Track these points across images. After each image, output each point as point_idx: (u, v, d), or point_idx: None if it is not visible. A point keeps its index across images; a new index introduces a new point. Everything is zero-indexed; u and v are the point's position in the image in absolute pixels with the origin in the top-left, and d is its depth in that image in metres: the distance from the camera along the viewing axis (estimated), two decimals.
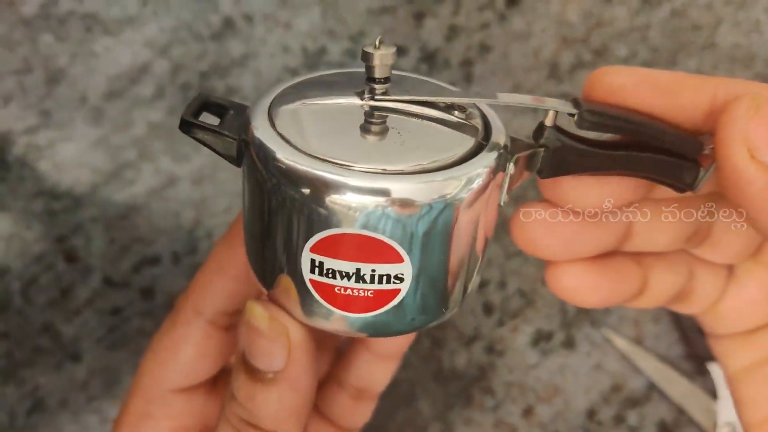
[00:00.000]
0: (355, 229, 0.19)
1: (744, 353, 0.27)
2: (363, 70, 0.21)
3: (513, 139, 0.22)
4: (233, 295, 0.28)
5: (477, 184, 0.20)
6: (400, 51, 0.47)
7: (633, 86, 0.21)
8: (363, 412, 0.32)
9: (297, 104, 0.21)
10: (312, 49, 0.47)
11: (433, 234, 0.20)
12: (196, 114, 0.22)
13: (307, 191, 0.19)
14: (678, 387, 0.42)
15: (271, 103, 0.21)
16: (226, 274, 0.28)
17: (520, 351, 0.44)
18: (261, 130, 0.20)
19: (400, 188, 0.19)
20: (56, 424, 0.43)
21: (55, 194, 0.45)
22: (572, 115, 0.21)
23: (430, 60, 0.47)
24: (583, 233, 0.24)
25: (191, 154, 0.45)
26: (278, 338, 0.23)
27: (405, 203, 0.19)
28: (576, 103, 0.21)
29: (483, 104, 0.22)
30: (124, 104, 0.46)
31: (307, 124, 0.21)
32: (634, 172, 0.22)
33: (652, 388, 0.43)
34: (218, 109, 0.22)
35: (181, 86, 0.46)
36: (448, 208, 0.20)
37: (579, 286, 0.25)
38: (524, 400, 0.44)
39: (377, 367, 0.31)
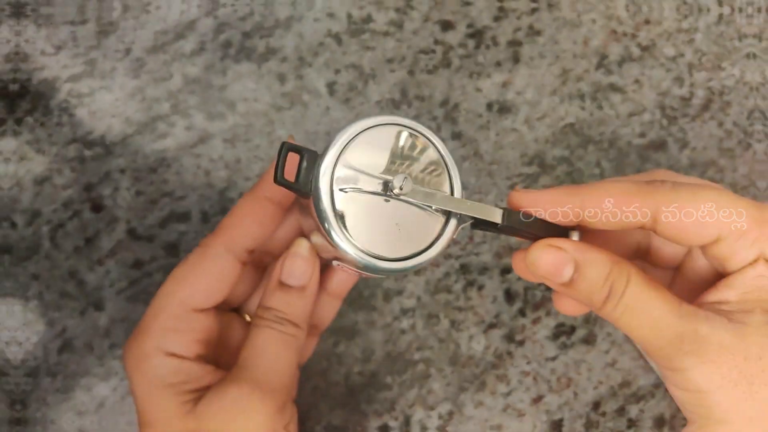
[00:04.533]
0: (359, 271, 0.33)
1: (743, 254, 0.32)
2: (407, 122, 0.33)
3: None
4: (257, 237, 0.36)
5: (437, 255, 0.33)
6: (447, 26, 0.47)
7: (537, 203, 0.32)
8: (309, 347, 0.41)
9: (347, 190, 0.32)
10: (357, 16, 0.47)
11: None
12: (285, 159, 0.31)
13: (343, 255, 0.32)
14: None
15: (331, 184, 0.31)
16: (255, 219, 0.36)
17: (539, 343, 0.44)
18: (326, 217, 0.31)
19: (391, 267, 0.32)
20: (84, 365, 0.43)
21: (88, 142, 0.44)
22: (495, 224, 0.32)
23: (477, 36, 0.47)
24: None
25: (225, 112, 0.45)
26: (312, 261, 0.35)
27: (387, 271, 0.32)
28: (504, 215, 0.32)
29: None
30: (165, 58, 0.45)
31: (350, 215, 0.31)
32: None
33: (658, 386, 0.43)
34: (296, 150, 0.32)
35: (222, 43, 0.46)
36: (412, 269, 0.33)
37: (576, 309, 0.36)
38: (537, 389, 0.44)
39: (328, 305, 0.40)
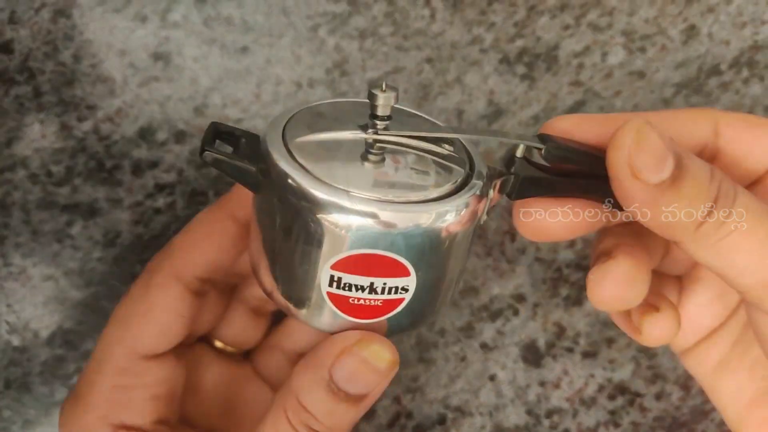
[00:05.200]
0: (373, 250, 0.23)
1: (711, 354, 0.30)
2: (355, 100, 0.26)
3: (489, 168, 0.25)
4: (214, 263, 0.29)
5: (466, 210, 0.23)
6: None
7: (577, 125, 0.25)
8: None
9: (310, 137, 0.24)
10: None
11: (434, 251, 0.24)
12: (212, 143, 0.24)
13: (334, 219, 0.22)
14: None
15: (283, 135, 0.24)
16: (212, 242, 0.29)
17: None
18: (284, 162, 0.23)
19: (410, 216, 0.22)
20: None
21: None
22: (539, 149, 0.24)
23: None
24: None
25: None
26: (387, 378, 0.25)
27: (415, 228, 0.23)
28: (542, 138, 0.25)
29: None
30: None
31: (324, 156, 0.23)
32: (584, 194, 0.26)
33: None
34: (230, 137, 0.25)
35: None
36: (445, 229, 0.23)
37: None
38: None
39: (317, 336, 0.31)
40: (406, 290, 0.24)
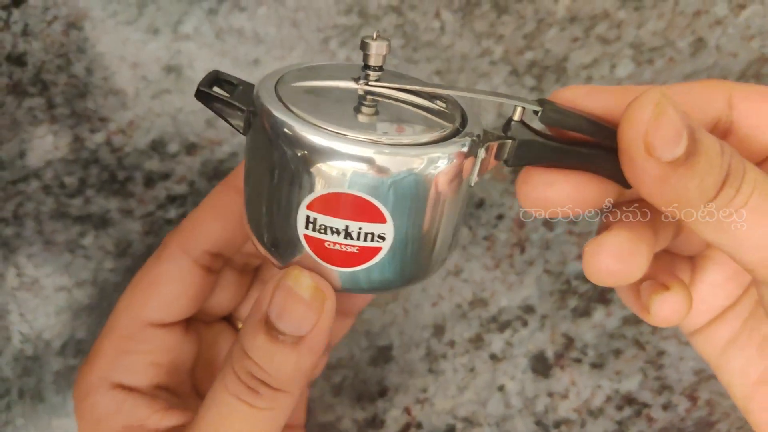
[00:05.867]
0: (347, 190, 0.22)
1: (721, 334, 0.29)
2: (358, 64, 0.25)
3: (485, 131, 0.24)
4: (221, 238, 0.29)
5: (453, 162, 0.23)
6: None
7: (585, 94, 0.24)
8: (318, 366, 0.33)
9: (301, 84, 0.24)
10: None
11: (414, 200, 0.23)
12: (210, 86, 0.24)
13: (310, 155, 0.22)
14: None
15: (277, 82, 0.24)
16: (219, 216, 0.29)
17: None
18: (270, 102, 0.23)
19: (390, 158, 0.22)
20: None
21: None
22: (536, 112, 0.23)
23: None
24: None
25: None
26: (315, 307, 0.24)
27: (392, 171, 0.22)
28: (541, 101, 0.23)
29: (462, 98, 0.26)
30: None
31: (309, 100, 0.23)
32: (587, 166, 0.25)
33: None
34: (228, 85, 0.25)
35: None
36: (427, 179, 0.22)
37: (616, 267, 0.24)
38: None
39: (337, 324, 0.32)
40: (383, 238, 0.23)
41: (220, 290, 0.31)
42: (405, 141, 0.22)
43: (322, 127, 0.22)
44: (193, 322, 0.31)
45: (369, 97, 0.24)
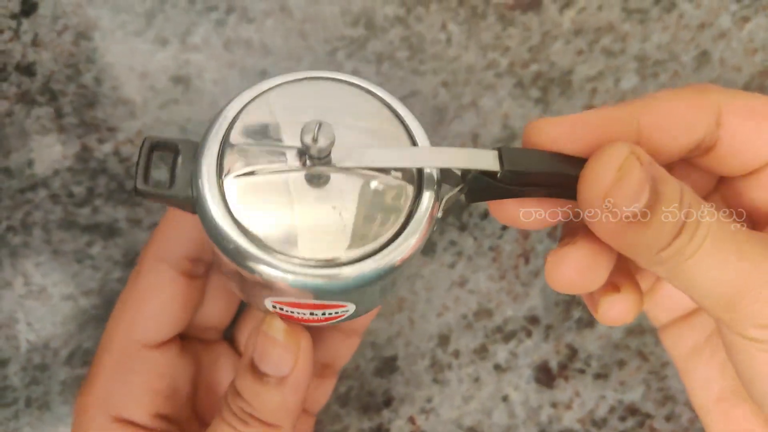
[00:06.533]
0: (306, 300, 0.23)
1: (687, 337, 0.29)
2: (312, 74, 0.25)
3: (440, 189, 0.23)
4: (197, 241, 0.28)
5: (409, 249, 0.22)
6: None
7: (568, 134, 0.23)
8: (324, 391, 0.33)
9: (244, 173, 0.22)
10: None
11: (374, 288, 0.23)
12: (148, 161, 0.23)
13: (266, 278, 0.22)
14: None
15: (219, 168, 0.22)
16: (189, 219, 0.26)
17: None
18: (220, 217, 0.22)
19: (348, 273, 0.22)
20: None
21: None
22: (496, 173, 0.23)
23: None
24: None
25: None
26: (291, 348, 0.26)
27: (352, 281, 0.22)
28: (501, 157, 0.22)
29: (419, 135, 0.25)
30: None
31: (258, 209, 0.22)
32: (549, 196, 0.24)
33: None
34: (166, 148, 0.23)
35: None
36: (386, 273, 0.22)
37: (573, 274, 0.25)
38: None
39: (342, 344, 0.32)
40: (347, 311, 0.24)
41: (209, 300, 0.31)
42: (360, 255, 0.22)
43: (271, 249, 0.21)
44: (190, 343, 0.30)
45: (315, 179, 0.23)
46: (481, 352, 0.38)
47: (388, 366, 0.38)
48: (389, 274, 0.22)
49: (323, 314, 0.24)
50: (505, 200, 0.25)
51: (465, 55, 0.37)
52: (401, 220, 0.23)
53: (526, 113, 0.37)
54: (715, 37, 0.38)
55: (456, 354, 0.38)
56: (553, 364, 0.39)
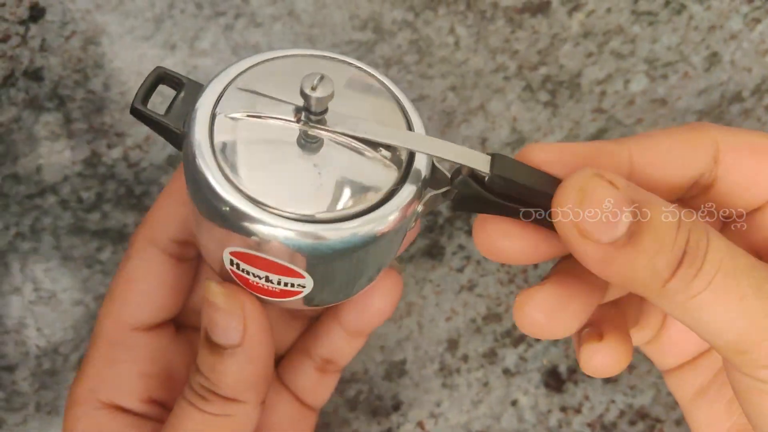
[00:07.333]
0: (265, 255, 0.22)
1: (692, 380, 0.28)
2: (326, 54, 0.25)
3: (425, 185, 0.23)
4: (184, 223, 0.28)
5: (384, 227, 0.22)
6: None
7: (556, 160, 0.23)
8: (326, 386, 0.32)
9: (239, 116, 0.22)
10: None
11: (334, 265, 0.23)
12: (151, 88, 0.23)
13: (230, 216, 0.21)
14: None
15: (216, 106, 0.22)
16: (178, 202, 0.28)
17: None
18: (200, 152, 0.22)
19: (311, 231, 0.21)
20: None
21: None
22: (485, 176, 0.22)
23: None
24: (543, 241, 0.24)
25: None
26: (234, 313, 0.24)
27: (316, 244, 0.21)
28: (493, 162, 0.22)
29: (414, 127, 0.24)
30: None
31: (241, 151, 0.22)
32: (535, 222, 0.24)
33: None
34: (173, 84, 0.24)
35: None
36: (356, 245, 0.22)
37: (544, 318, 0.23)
38: None
39: (345, 342, 0.31)
40: (303, 287, 0.23)
41: (201, 285, 0.30)
42: (328, 216, 0.22)
43: (247, 196, 0.21)
44: (185, 329, 0.30)
45: (306, 141, 0.23)
46: (490, 356, 0.38)
47: (397, 370, 0.38)
48: (356, 248, 0.22)
49: (278, 282, 0.23)
50: (489, 226, 0.24)
51: (473, 59, 0.36)
52: (379, 197, 0.22)
53: (535, 117, 0.37)
54: (726, 39, 0.38)
55: (465, 358, 0.38)
56: (563, 368, 0.39)
